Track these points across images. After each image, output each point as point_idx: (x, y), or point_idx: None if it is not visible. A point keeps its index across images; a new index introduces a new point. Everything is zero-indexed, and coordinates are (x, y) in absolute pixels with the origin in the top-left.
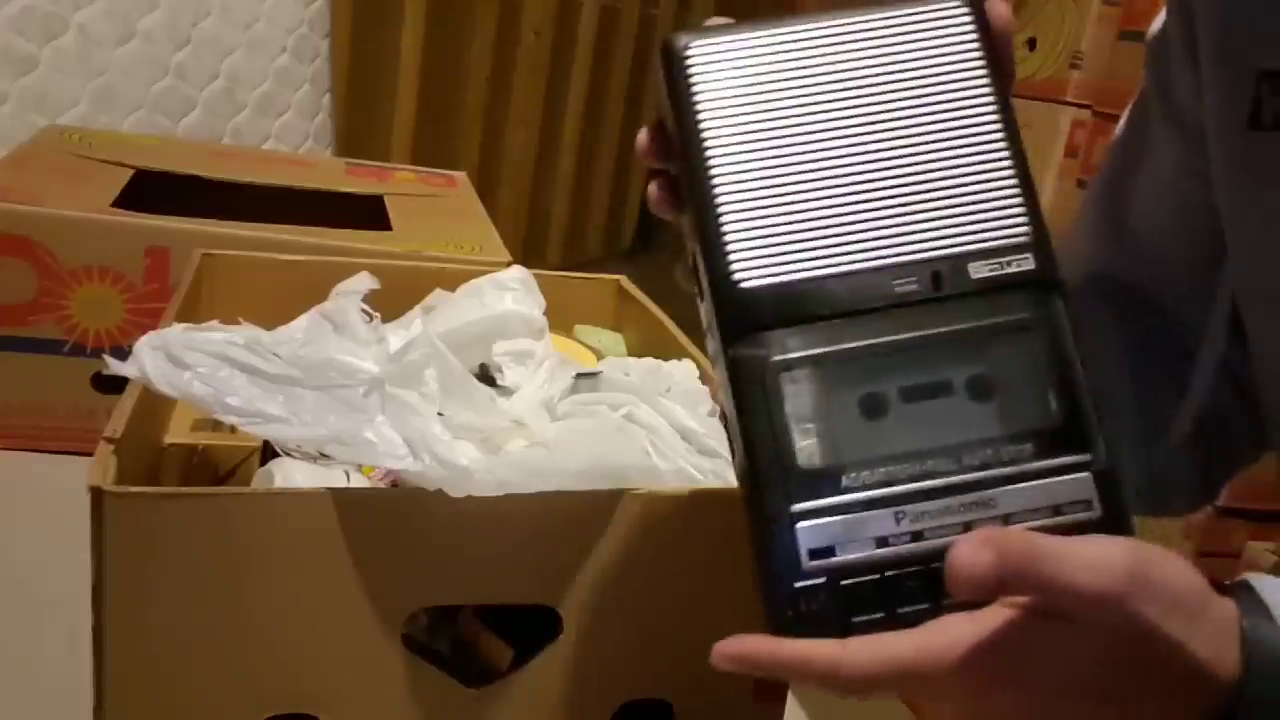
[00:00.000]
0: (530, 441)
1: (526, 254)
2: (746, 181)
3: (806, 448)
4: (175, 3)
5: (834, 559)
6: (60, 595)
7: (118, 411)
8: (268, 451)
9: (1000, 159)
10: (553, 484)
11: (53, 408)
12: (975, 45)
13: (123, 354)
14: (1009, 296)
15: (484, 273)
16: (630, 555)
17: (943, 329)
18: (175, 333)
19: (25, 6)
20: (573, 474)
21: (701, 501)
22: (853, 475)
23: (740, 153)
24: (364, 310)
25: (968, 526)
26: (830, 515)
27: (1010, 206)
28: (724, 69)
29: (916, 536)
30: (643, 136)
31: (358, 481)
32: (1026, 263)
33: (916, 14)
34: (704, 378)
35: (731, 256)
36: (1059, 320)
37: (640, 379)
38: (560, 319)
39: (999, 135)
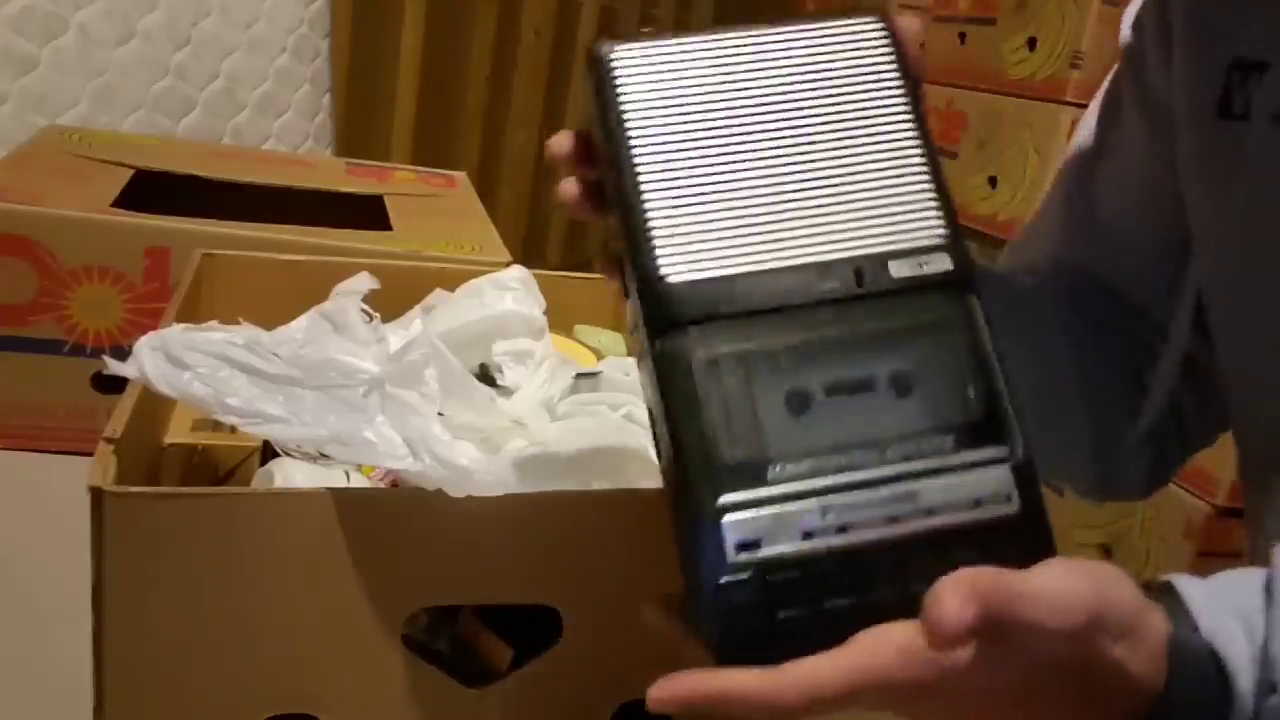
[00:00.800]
0: (530, 441)
1: (526, 254)
2: (672, 181)
3: (732, 441)
4: (175, 3)
5: (760, 552)
6: (60, 595)
7: (118, 411)
8: (268, 451)
9: (916, 164)
10: (553, 484)
11: (53, 408)
12: (890, 58)
13: (122, 354)
14: (927, 295)
15: (484, 273)
16: (630, 555)
17: (865, 326)
18: (175, 333)
19: (25, 6)
20: (571, 468)
21: None
22: (778, 468)
23: (665, 153)
24: (364, 310)
25: (892, 519)
26: (757, 508)
27: (926, 209)
28: (648, 74)
29: (842, 529)
30: (564, 140)
31: (358, 481)
32: (944, 263)
33: (835, 28)
34: None
35: (658, 252)
36: (976, 318)
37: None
38: (560, 319)
39: (914, 142)
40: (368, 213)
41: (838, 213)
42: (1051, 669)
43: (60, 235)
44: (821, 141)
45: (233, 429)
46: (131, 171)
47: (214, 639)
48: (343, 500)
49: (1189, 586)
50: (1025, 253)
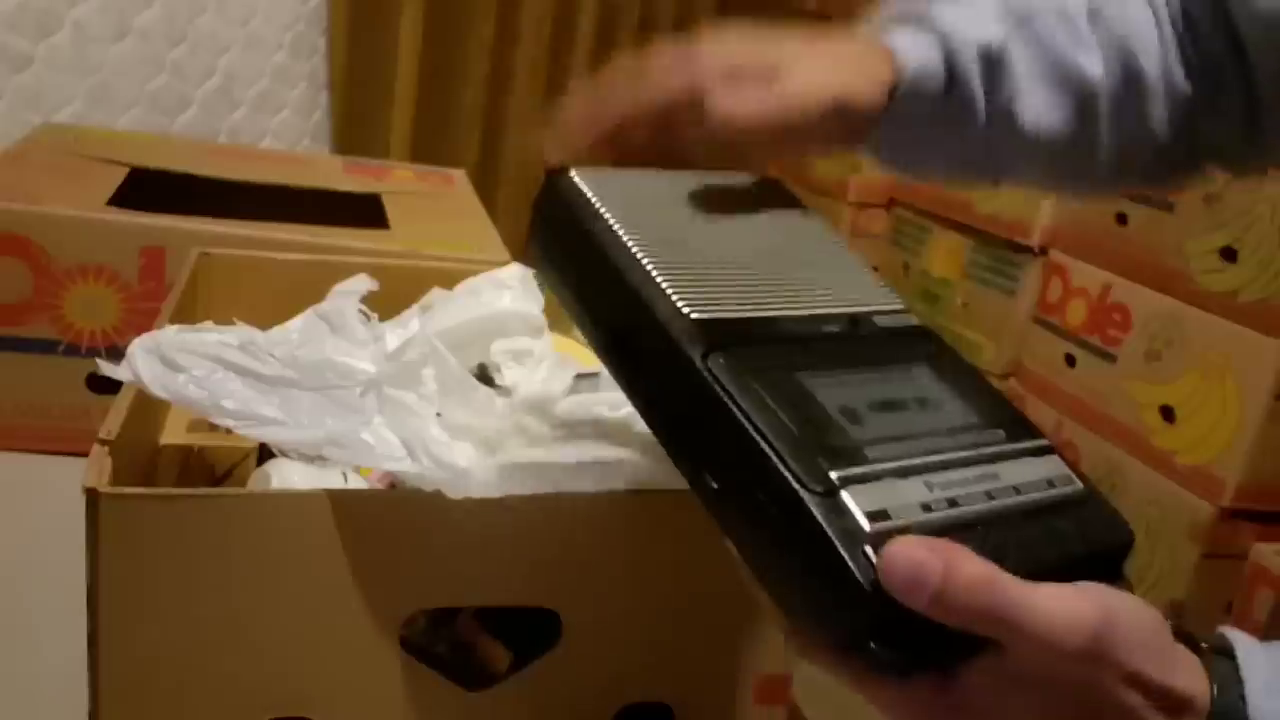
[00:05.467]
0: (529, 442)
1: (525, 252)
2: (666, 252)
3: (818, 429)
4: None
5: (890, 522)
6: (55, 597)
7: (113, 412)
8: (264, 452)
9: (855, 260)
10: (553, 484)
11: (47, 408)
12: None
13: (118, 354)
14: (911, 338)
15: (482, 271)
16: (630, 555)
17: (872, 354)
18: (169, 335)
19: (20, 3)
20: (571, 469)
21: None
22: (870, 451)
23: (662, 244)
24: (361, 311)
25: (989, 495)
26: (870, 481)
27: (881, 289)
28: (616, 184)
29: (953, 503)
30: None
31: (355, 482)
32: (911, 319)
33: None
34: None
35: (677, 299)
36: (954, 351)
37: None
38: (559, 318)
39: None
40: (365, 211)
41: (822, 282)
42: (1062, 698)
43: (55, 234)
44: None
45: (229, 430)
46: (127, 170)
47: (210, 641)
48: (340, 502)
49: (1251, 656)
50: None
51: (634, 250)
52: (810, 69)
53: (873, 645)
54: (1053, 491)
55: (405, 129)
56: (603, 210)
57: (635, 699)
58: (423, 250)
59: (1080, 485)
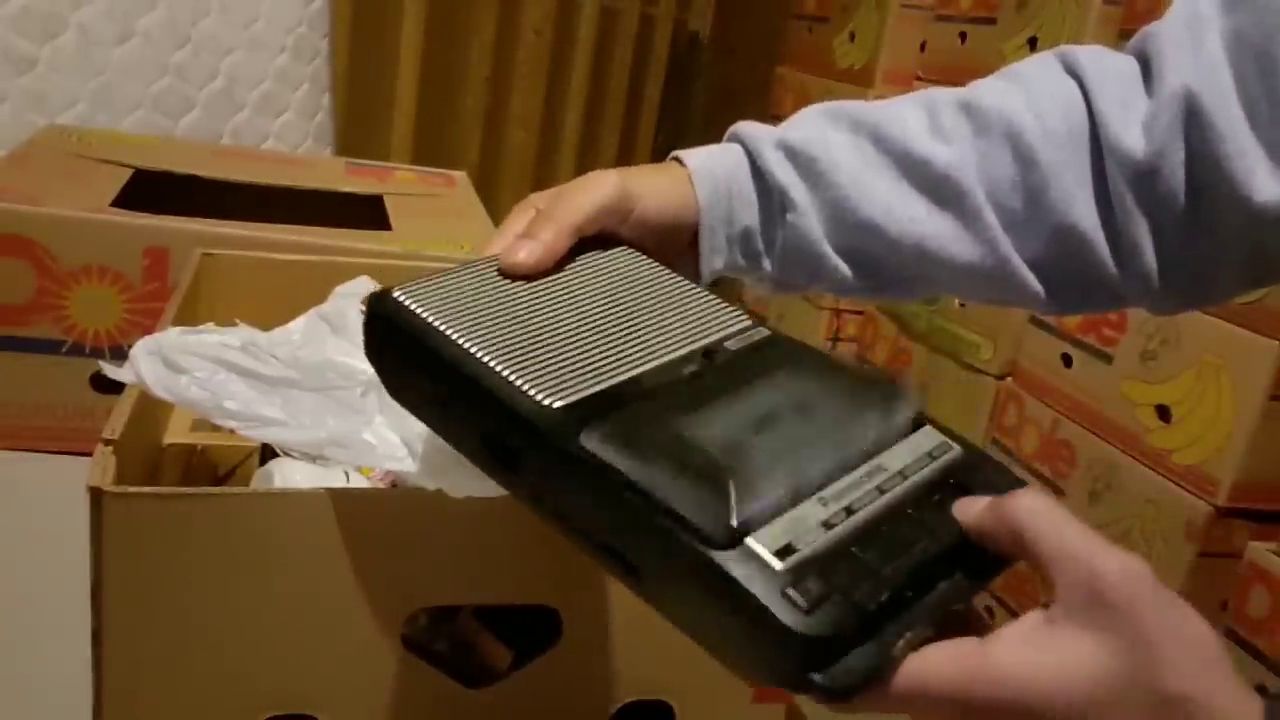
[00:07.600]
0: None
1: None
2: (506, 347)
3: (706, 477)
4: (175, 2)
5: (798, 554)
6: (59, 595)
7: (116, 412)
8: (267, 451)
9: (690, 287)
10: None
11: (52, 408)
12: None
13: (122, 354)
14: (763, 350)
15: None
16: None
17: (737, 378)
18: (171, 336)
19: (24, 6)
20: None
21: None
22: (759, 484)
23: (485, 334)
24: (363, 312)
25: (880, 490)
26: (769, 521)
27: (724, 310)
28: (438, 290)
29: (849, 510)
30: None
31: (357, 481)
32: (762, 332)
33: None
34: None
35: (535, 392)
36: (807, 347)
37: None
38: None
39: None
40: (367, 212)
41: (666, 323)
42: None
43: (59, 235)
44: (617, 292)
45: (231, 430)
46: (131, 171)
47: (213, 639)
48: (341, 500)
49: None
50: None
51: (479, 354)
52: (582, 184)
53: (814, 678)
54: (937, 463)
55: (407, 130)
56: (435, 322)
57: (635, 697)
58: (424, 251)
59: (959, 449)
